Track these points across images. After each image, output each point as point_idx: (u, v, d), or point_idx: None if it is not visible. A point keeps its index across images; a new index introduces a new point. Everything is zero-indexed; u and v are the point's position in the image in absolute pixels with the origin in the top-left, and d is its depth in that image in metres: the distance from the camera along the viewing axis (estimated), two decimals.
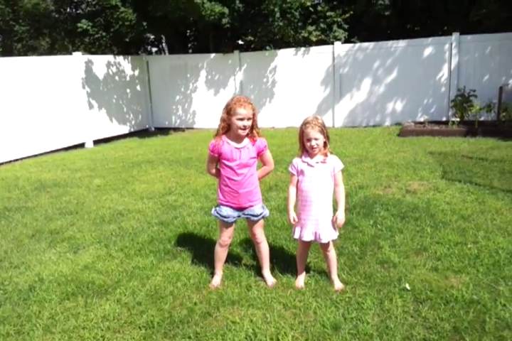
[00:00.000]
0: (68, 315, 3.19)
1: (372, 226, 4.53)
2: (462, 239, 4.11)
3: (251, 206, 3.46)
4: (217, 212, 3.49)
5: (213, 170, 3.53)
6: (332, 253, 3.42)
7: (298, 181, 3.38)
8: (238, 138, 3.38)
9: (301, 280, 3.48)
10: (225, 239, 3.55)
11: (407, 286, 3.32)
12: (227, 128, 3.38)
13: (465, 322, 2.87)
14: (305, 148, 3.32)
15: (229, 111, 3.30)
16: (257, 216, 3.47)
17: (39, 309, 3.29)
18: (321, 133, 3.22)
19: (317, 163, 3.29)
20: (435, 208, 4.95)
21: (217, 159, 3.44)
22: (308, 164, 3.30)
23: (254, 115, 3.33)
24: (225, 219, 3.46)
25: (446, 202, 5.15)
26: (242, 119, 3.26)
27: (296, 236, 3.42)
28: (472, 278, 3.41)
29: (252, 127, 3.36)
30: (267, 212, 3.57)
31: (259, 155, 3.46)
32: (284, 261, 3.80)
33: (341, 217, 3.27)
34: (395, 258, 3.79)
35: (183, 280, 3.61)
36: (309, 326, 2.92)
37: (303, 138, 3.28)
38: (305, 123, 3.26)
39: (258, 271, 3.69)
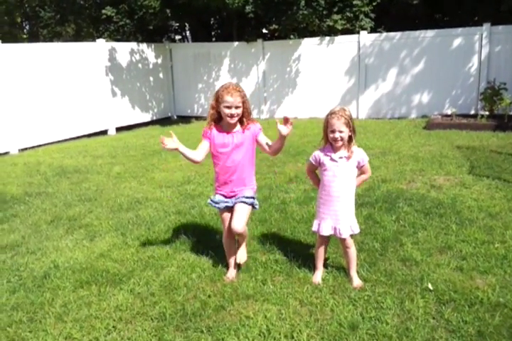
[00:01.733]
0: (81, 304, 3.16)
1: (395, 221, 4.38)
2: (489, 237, 3.93)
3: (242, 190, 3.34)
4: (211, 199, 3.42)
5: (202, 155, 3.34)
6: (352, 250, 3.30)
7: (320, 173, 3.26)
8: (229, 127, 3.29)
9: (318, 276, 3.37)
10: (227, 230, 3.42)
11: (430, 286, 3.18)
12: (216, 115, 3.28)
13: (490, 326, 2.72)
14: (328, 140, 3.18)
15: (217, 98, 3.21)
16: (248, 198, 3.32)
17: (52, 296, 3.27)
18: (347, 126, 3.08)
19: (341, 158, 3.15)
20: (461, 205, 4.76)
21: (206, 144, 3.33)
22: (332, 158, 3.17)
23: (244, 103, 3.20)
24: (216, 205, 3.38)
25: (473, 198, 4.96)
26: (229, 107, 3.16)
27: (315, 228, 3.31)
28: (499, 279, 3.25)
29: (243, 115, 3.24)
30: (257, 203, 3.42)
31: (256, 139, 3.32)
32: (302, 256, 3.69)
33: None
34: (418, 256, 3.65)
35: (197, 271, 3.55)
36: (325, 324, 2.82)
37: (327, 128, 3.14)
38: (331, 114, 3.11)
39: (276, 264, 3.60)
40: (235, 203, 3.35)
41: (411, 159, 6.87)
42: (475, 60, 10.69)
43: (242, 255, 3.46)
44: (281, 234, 4.23)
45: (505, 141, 8.03)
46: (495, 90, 9.86)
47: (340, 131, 3.07)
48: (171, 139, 3.24)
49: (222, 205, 3.37)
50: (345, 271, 3.43)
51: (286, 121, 3.08)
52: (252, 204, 3.38)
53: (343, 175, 3.15)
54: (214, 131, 3.31)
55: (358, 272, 3.37)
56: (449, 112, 10.45)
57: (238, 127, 3.30)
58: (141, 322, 2.93)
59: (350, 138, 3.14)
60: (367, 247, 3.83)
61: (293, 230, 4.27)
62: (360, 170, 3.23)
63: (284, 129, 3.08)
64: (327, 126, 3.14)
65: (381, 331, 2.72)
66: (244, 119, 3.27)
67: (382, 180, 5.77)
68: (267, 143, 3.32)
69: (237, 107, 3.17)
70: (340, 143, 3.12)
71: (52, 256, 3.96)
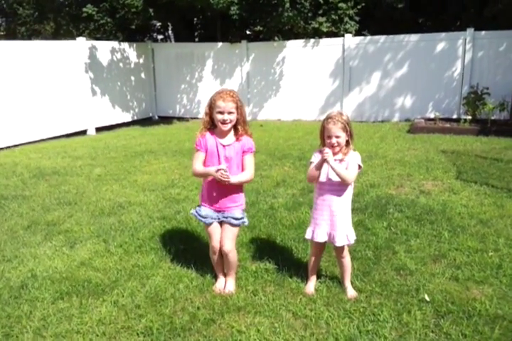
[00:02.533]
0: (61, 317, 2.97)
1: (386, 228, 4.29)
2: (482, 245, 3.87)
3: (230, 208, 3.19)
4: (197, 211, 3.26)
5: (201, 168, 3.15)
6: (347, 259, 3.19)
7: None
8: (222, 134, 3.13)
9: (311, 286, 3.24)
10: (214, 245, 3.24)
11: (427, 297, 3.08)
12: (210, 122, 3.13)
13: (491, 340, 2.64)
14: (325, 145, 3.06)
15: (210, 104, 3.07)
16: (237, 219, 3.19)
17: (30, 309, 3.06)
18: (344, 131, 2.97)
19: (336, 161, 3.04)
20: (451, 211, 4.71)
21: (203, 156, 3.15)
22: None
23: (238, 109, 3.05)
24: (203, 220, 3.22)
25: (462, 204, 4.91)
26: (221, 113, 3.01)
27: (308, 236, 3.18)
28: (495, 289, 3.18)
29: (237, 123, 3.09)
30: (246, 220, 3.28)
31: (242, 155, 3.15)
32: (294, 264, 3.57)
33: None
34: (412, 264, 3.55)
35: (185, 281, 3.38)
36: (321, 339, 2.69)
37: (324, 133, 3.03)
38: (327, 118, 3.00)
39: (267, 273, 3.46)
40: (223, 221, 3.21)
41: (397, 163, 6.82)
42: (458, 64, 10.76)
43: (230, 285, 3.29)
44: (270, 240, 4.09)
45: (488, 145, 8.06)
46: (478, 95, 9.95)
47: (337, 136, 2.96)
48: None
49: (209, 221, 3.21)
50: (338, 280, 3.32)
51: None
52: (243, 223, 3.26)
53: (337, 178, 3.04)
54: (208, 138, 3.13)
55: (352, 282, 3.26)
56: (431, 116, 10.50)
57: (231, 136, 3.14)
58: (125, 337, 2.76)
59: (347, 143, 3.03)
60: (360, 255, 3.72)
61: (283, 237, 4.14)
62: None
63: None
64: (323, 131, 3.02)
65: None
66: (239, 127, 3.11)
67: (370, 184, 5.69)
68: (245, 168, 3.16)
69: (229, 113, 3.02)
70: (337, 149, 3.01)
71: (29, 264, 3.75)
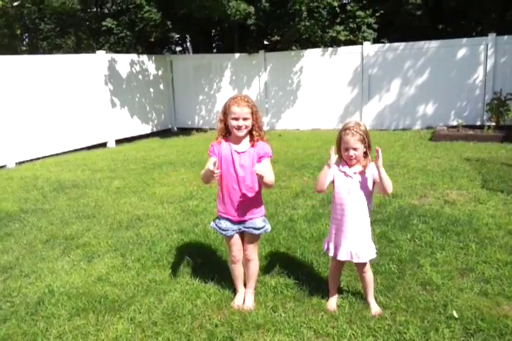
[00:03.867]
0: (77, 335, 2.91)
1: (410, 240, 4.15)
2: None
3: (252, 219, 3.10)
4: (216, 225, 3.17)
5: (202, 172, 3.02)
6: (369, 274, 3.07)
7: (333, 190, 3.02)
8: (237, 141, 3.04)
9: (333, 302, 3.13)
10: (235, 255, 3.19)
11: (455, 314, 2.93)
12: (225, 130, 3.05)
13: None
14: (342, 157, 2.96)
15: (225, 110, 2.99)
16: (258, 229, 3.11)
17: (46, 326, 3.02)
18: (362, 143, 2.86)
19: (355, 173, 2.93)
20: (478, 222, 4.53)
21: (215, 160, 3.00)
22: (346, 174, 2.94)
23: (253, 114, 2.96)
24: (224, 232, 3.13)
25: (489, 214, 4.73)
26: (236, 119, 2.93)
27: (331, 253, 3.07)
28: None
29: (252, 129, 3.01)
30: (269, 227, 3.19)
31: (258, 161, 3.03)
32: (314, 279, 3.46)
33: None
34: (438, 279, 3.41)
35: (203, 297, 3.30)
36: None
37: (340, 144, 2.92)
38: (345, 129, 2.89)
39: (287, 288, 3.36)
40: (244, 232, 3.13)
41: (420, 172, 6.66)
42: (480, 70, 10.54)
43: (249, 301, 3.21)
44: (290, 254, 3.99)
45: None
46: (501, 101, 9.71)
47: (355, 149, 2.85)
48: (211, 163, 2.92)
49: (230, 233, 3.12)
50: (361, 296, 3.20)
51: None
52: (265, 231, 3.18)
53: (357, 192, 2.92)
54: (222, 145, 3.06)
55: (375, 298, 3.13)
56: (454, 123, 10.28)
57: (247, 142, 3.05)
58: None
59: (365, 154, 2.91)
60: (383, 269, 3.59)
61: (303, 250, 4.03)
62: (374, 183, 2.97)
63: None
64: (340, 142, 2.92)
65: None
66: (254, 133, 3.02)
67: (392, 195, 5.53)
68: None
69: (245, 119, 2.94)
70: (354, 162, 2.91)
71: (47, 279, 3.71)
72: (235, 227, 3.12)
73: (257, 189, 3.09)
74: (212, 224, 3.24)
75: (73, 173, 7.77)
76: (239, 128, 2.95)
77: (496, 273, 3.46)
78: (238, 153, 3.03)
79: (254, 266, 3.23)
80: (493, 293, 3.19)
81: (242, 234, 3.18)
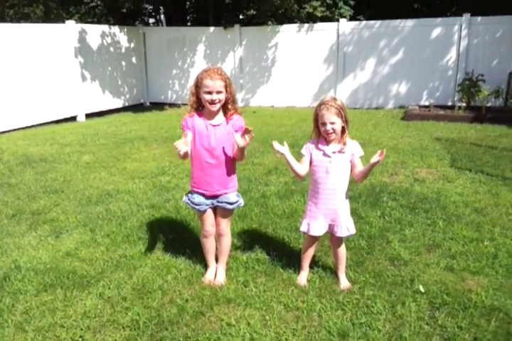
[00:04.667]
0: (44, 310, 2.86)
1: (380, 217, 4.20)
2: (478, 235, 3.79)
3: (225, 193, 3.07)
4: (189, 199, 3.12)
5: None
6: (342, 250, 3.10)
7: (311, 169, 3.00)
8: (211, 115, 2.96)
9: (304, 277, 3.16)
10: (207, 229, 3.16)
11: (421, 288, 3.00)
12: (197, 103, 2.96)
13: (487, 332, 2.56)
14: (320, 133, 2.93)
15: (197, 83, 2.88)
16: (232, 204, 3.08)
17: (13, 302, 2.95)
18: (339, 117, 2.83)
19: (334, 152, 2.91)
20: (446, 199, 4.63)
21: (190, 136, 2.96)
22: (325, 153, 2.92)
23: (226, 87, 2.87)
24: (197, 207, 3.09)
25: (457, 192, 4.83)
26: (209, 92, 2.83)
27: (304, 229, 3.07)
28: (491, 280, 3.10)
29: (227, 102, 2.94)
30: (242, 202, 3.18)
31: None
32: (286, 254, 3.47)
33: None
34: (406, 254, 3.48)
35: (173, 272, 3.28)
36: (313, 332, 2.61)
37: (317, 121, 2.89)
38: (320, 104, 2.86)
39: (258, 263, 3.37)
40: (217, 206, 3.10)
41: (391, 151, 6.72)
42: (453, 50, 10.63)
43: (220, 276, 3.20)
44: (262, 230, 4.00)
45: (483, 133, 7.97)
46: (472, 82, 9.81)
47: (332, 123, 2.83)
48: (182, 141, 2.81)
49: (203, 208, 3.09)
50: (331, 271, 3.24)
51: (246, 131, 2.79)
52: (238, 206, 3.15)
53: (337, 171, 2.92)
54: (196, 119, 2.97)
55: (346, 273, 3.17)
56: (426, 103, 10.38)
57: (221, 116, 2.99)
58: (111, 331, 2.66)
59: (343, 130, 2.90)
60: (353, 245, 3.64)
61: (275, 226, 4.05)
62: (352, 164, 2.98)
63: (241, 141, 2.81)
64: (317, 118, 2.89)
65: (373, 339, 2.53)
66: (229, 106, 2.95)
67: None
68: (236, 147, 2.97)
69: (218, 92, 2.85)
70: (333, 136, 2.88)
71: (13, 254, 3.63)
72: (208, 202, 3.08)
73: (231, 163, 3.05)
74: (184, 198, 3.19)
75: (41, 147, 7.57)
76: (212, 102, 2.87)
77: (461, 249, 3.55)
78: (213, 126, 2.96)
79: (227, 240, 3.22)
80: (458, 268, 3.28)
81: (214, 208, 3.15)
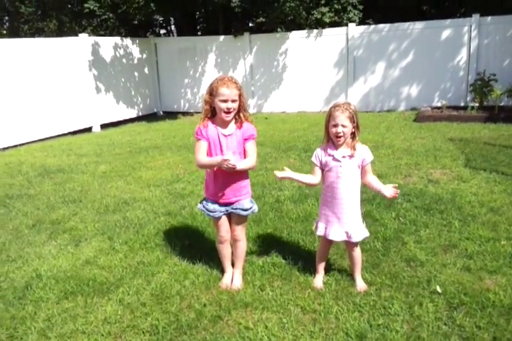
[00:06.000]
0: (66, 317, 2.92)
1: (395, 219, 4.21)
2: (494, 234, 3.77)
3: (239, 200, 3.11)
4: (204, 206, 3.16)
5: (205, 159, 3.02)
6: (357, 252, 3.11)
7: (323, 174, 3.04)
8: (224, 124, 3.01)
9: (319, 280, 3.18)
10: (222, 235, 3.21)
11: (438, 289, 3.00)
12: (211, 111, 3.01)
13: (506, 332, 2.56)
14: (330, 137, 2.96)
15: (211, 91, 2.93)
16: (246, 210, 3.12)
17: (35, 310, 3.02)
18: (351, 121, 2.86)
19: (344, 157, 2.94)
20: (461, 200, 4.61)
21: (206, 145, 3.03)
22: (334, 158, 2.95)
23: (240, 96, 2.93)
24: (211, 214, 3.13)
25: (472, 193, 4.81)
26: (225, 101, 2.88)
27: (321, 232, 3.10)
28: (510, 279, 3.09)
29: (239, 110, 2.99)
30: (256, 207, 3.21)
31: (244, 142, 3.05)
32: (301, 258, 3.49)
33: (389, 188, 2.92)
34: (422, 255, 3.48)
35: (191, 278, 3.33)
36: (331, 334, 2.63)
37: (329, 122, 2.92)
38: (334, 106, 2.89)
39: (274, 267, 3.40)
40: (232, 213, 3.14)
41: (405, 153, 6.71)
42: (464, 51, 10.57)
43: (237, 281, 3.24)
44: (277, 234, 4.03)
45: (497, 132, 7.91)
46: (485, 81, 9.76)
47: (343, 126, 2.85)
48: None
49: (217, 214, 3.13)
50: (347, 273, 3.25)
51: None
52: (252, 212, 3.20)
53: (347, 176, 2.95)
54: (209, 129, 3.02)
55: (361, 275, 3.18)
56: (438, 104, 10.34)
57: (233, 125, 3.04)
58: (131, 336, 2.71)
59: (353, 135, 2.93)
60: (368, 247, 3.65)
61: (289, 230, 4.07)
62: (362, 169, 3.01)
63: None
64: (329, 120, 2.92)
65: (391, 340, 2.53)
66: (241, 115, 3.01)
67: (378, 175, 5.50)
68: (247, 155, 3.07)
69: (233, 101, 2.91)
70: (342, 140, 2.90)
71: (34, 264, 3.71)
72: (223, 209, 3.13)
73: (243, 171, 3.09)
74: (199, 206, 3.24)
75: (58, 158, 7.70)
76: (228, 110, 2.92)
77: (478, 249, 3.54)
78: (225, 136, 3.02)
79: (242, 246, 3.26)
80: (475, 268, 3.27)
81: (229, 215, 3.19)
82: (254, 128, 3.10)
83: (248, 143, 3.06)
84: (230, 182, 3.06)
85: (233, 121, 3.04)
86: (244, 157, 3.07)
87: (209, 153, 3.05)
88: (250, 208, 3.15)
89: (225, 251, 3.28)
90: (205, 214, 3.21)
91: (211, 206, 3.13)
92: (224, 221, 3.19)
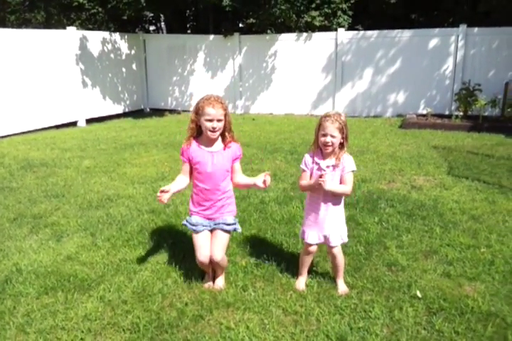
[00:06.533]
0: (46, 313, 2.89)
1: (378, 223, 4.25)
2: (474, 241, 3.84)
3: (222, 216, 3.12)
4: (187, 220, 3.16)
5: (188, 179, 3.15)
6: (340, 258, 3.11)
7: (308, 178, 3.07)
8: (209, 142, 3.04)
9: (302, 282, 3.19)
10: (202, 259, 3.05)
11: (418, 294, 3.05)
12: (196, 130, 3.03)
13: (484, 338, 2.61)
14: (319, 145, 2.98)
15: (197, 110, 2.95)
16: (229, 225, 3.11)
17: (14, 304, 2.99)
18: (340, 132, 2.89)
19: (328, 167, 2.97)
20: (443, 206, 4.68)
21: (187, 167, 3.09)
22: (319, 167, 2.98)
23: (225, 116, 2.96)
24: (193, 227, 3.10)
25: (454, 200, 4.88)
26: (211, 120, 2.91)
27: (301, 236, 3.15)
28: (488, 286, 3.15)
29: (225, 130, 3.01)
30: (239, 227, 3.20)
31: (232, 162, 3.10)
32: (284, 259, 3.51)
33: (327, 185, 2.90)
34: (403, 260, 3.52)
35: (173, 276, 3.32)
36: (312, 336, 2.65)
37: (319, 131, 2.95)
38: (325, 116, 2.91)
39: (257, 268, 3.41)
40: (214, 228, 3.13)
41: (389, 158, 6.79)
42: (450, 61, 10.72)
43: (220, 281, 3.23)
44: (261, 235, 4.04)
45: (480, 141, 8.05)
46: (469, 91, 9.92)
47: (332, 136, 2.88)
48: (166, 194, 2.93)
49: (200, 228, 3.10)
50: (329, 276, 3.28)
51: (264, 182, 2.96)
52: (234, 230, 3.19)
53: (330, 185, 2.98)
54: (193, 148, 3.05)
55: (343, 278, 3.21)
56: (424, 112, 10.47)
57: (219, 143, 3.07)
58: (111, 333, 2.69)
59: (341, 146, 2.95)
60: (351, 251, 3.68)
61: (273, 231, 4.09)
62: (341, 178, 3.02)
63: (261, 185, 2.97)
64: (319, 129, 2.94)
65: None
66: (226, 134, 3.03)
67: (362, 179, 5.65)
68: (237, 174, 3.16)
69: (219, 120, 2.93)
70: (330, 149, 2.93)
71: (14, 258, 3.66)
72: (206, 223, 3.11)
73: (228, 189, 3.13)
74: (184, 222, 3.21)
75: (42, 152, 7.61)
76: (213, 129, 2.94)
77: (458, 256, 3.60)
78: (210, 152, 3.03)
79: (223, 264, 3.15)
80: (455, 274, 3.32)
81: (212, 234, 3.14)
82: (240, 148, 3.16)
83: (237, 162, 3.14)
84: (216, 200, 3.08)
85: (219, 139, 3.07)
86: (232, 174, 3.13)
87: (194, 170, 3.08)
88: (234, 224, 3.15)
89: (206, 266, 3.17)
90: (188, 227, 3.17)
91: (194, 220, 3.12)
92: (205, 240, 3.09)
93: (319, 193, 2.99)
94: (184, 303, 2.99)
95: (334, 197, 3.01)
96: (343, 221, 3.12)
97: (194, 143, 3.05)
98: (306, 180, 3.05)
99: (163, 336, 2.67)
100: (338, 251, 3.10)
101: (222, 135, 3.04)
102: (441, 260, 3.55)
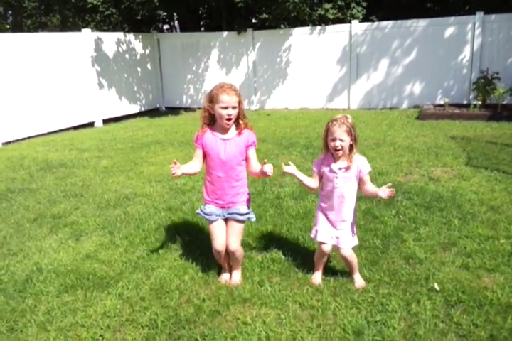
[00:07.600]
0: (66, 311, 2.95)
1: (395, 216, 4.21)
2: (493, 233, 3.78)
3: (235, 205, 3.10)
4: (201, 210, 3.17)
5: (199, 165, 3.12)
6: (351, 259, 3.09)
7: (321, 182, 3.08)
8: (223, 130, 3.03)
9: (318, 276, 3.19)
10: (218, 248, 3.11)
11: (436, 286, 3.02)
12: (210, 118, 3.03)
13: (503, 330, 2.57)
14: (329, 149, 2.97)
15: (211, 98, 2.95)
16: (242, 215, 3.11)
17: (35, 303, 3.05)
18: (348, 135, 2.87)
19: (340, 169, 2.95)
20: (461, 198, 4.61)
21: (200, 153, 3.08)
22: (331, 170, 2.97)
23: (239, 103, 2.96)
24: (207, 217, 3.12)
25: (472, 191, 4.81)
26: (225, 108, 2.90)
27: (312, 235, 3.16)
28: (507, 278, 3.10)
29: (238, 117, 3.00)
30: (253, 216, 3.19)
31: (246, 150, 3.07)
32: (300, 254, 3.51)
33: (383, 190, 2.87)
34: (421, 253, 3.49)
35: (190, 273, 3.35)
36: (328, 330, 2.64)
37: (327, 136, 2.93)
38: (332, 121, 2.90)
39: (273, 263, 3.41)
40: (228, 218, 3.14)
41: (406, 150, 6.71)
42: (467, 49, 10.53)
43: (236, 277, 3.24)
44: (277, 230, 4.04)
45: (499, 131, 7.90)
46: (488, 80, 9.73)
47: (341, 140, 2.86)
48: (176, 166, 2.96)
49: (214, 218, 3.12)
50: (346, 270, 3.26)
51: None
52: (248, 219, 3.18)
53: (343, 187, 2.97)
54: (207, 135, 3.05)
55: (359, 271, 3.19)
56: (441, 102, 10.30)
57: (233, 130, 3.06)
58: (130, 330, 2.73)
59: (351, 147, 2.93)
60: (367, 244, 3.66)
61: (289, 226, 4.09)
62: (360, 180, 3.01)
63: (270, 172, 2.89)
64: (327, 134, 2.93)
65: (388, 337, 2.55)
66: (240, 121, 3.02)
67: (378, 172, 5.60)
68: (252, 162, 3.11)
69: (233, 107, 2.92)
70: (340, 153, 2.92)
71: (35, 257, 3.74)
72: (219, 212, 3.12)
73: (242, 177, 3.12)
74: (197, 210, 3.24)
75: (60, 153, 7.72)
76: (228, 116, 2.93)
77: (477, 247, 3.55)
78: (224, 140, 3.03)
79: (239, 255, 3.19)
80: (474, 266, 3.28)
81: (226, 223, 3.16)
82: (254, 135, 3.13)
83: (251, 150, 3.09)
84: (229, 188, 3.08)
85: (233, 127, 3.06)
86: (247, 163, 3.10)
87: (207, 158, 3.08)
88: (247, 214, 3.14)
89: (221, 259, 3.23)
90: (202, 216, 3.19)
91: (207, 209, 3.13)
92: (220, 229, 3.12)
93: (334, 198, 2.99)
94: (201, 299, 3.01)
95: (347, 202, 3.00)
96: (354, 224, 3.10)
97: (208, 131, 3.06)
98: (315, 180, 3.06)
99: (180, 332, 2.70)
100: (349, 254, 3.07)
101: (236, 122, 3.04)
102: (460, 252, 3.50)
